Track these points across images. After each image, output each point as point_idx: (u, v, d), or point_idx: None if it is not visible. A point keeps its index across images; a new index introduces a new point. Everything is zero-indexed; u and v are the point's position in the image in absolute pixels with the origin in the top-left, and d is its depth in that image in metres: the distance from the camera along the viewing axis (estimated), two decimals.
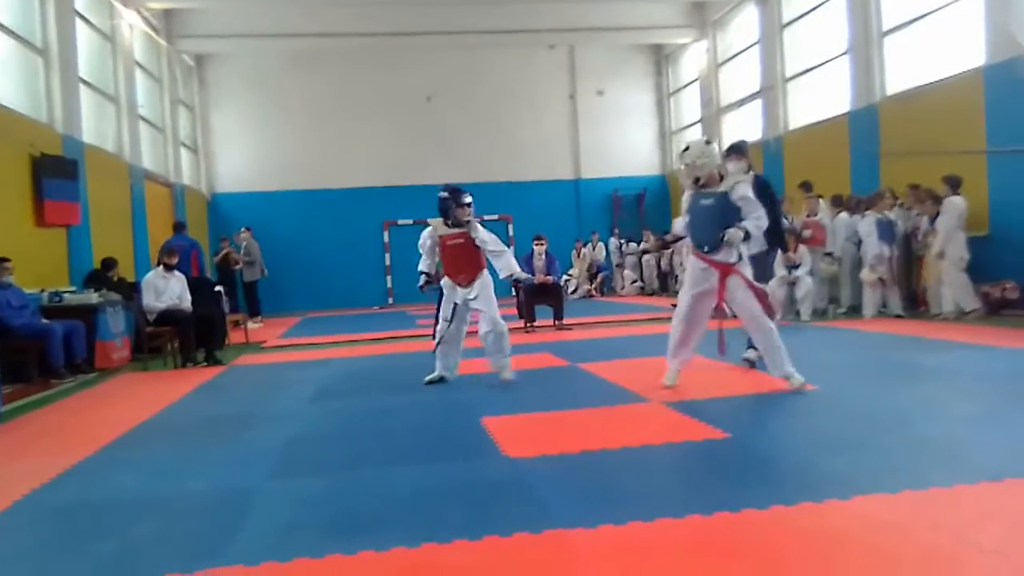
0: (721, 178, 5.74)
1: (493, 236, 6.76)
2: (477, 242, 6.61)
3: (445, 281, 6.71)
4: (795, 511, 3.09)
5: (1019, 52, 9.74)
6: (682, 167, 5.84)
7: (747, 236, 5.55)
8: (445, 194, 6.68)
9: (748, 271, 5.75)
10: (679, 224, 6.19)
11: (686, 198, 5.94)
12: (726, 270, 5.64)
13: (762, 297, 5.70)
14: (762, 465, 3.99)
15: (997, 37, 10.15)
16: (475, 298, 6.56)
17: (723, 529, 2.97)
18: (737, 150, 7.18)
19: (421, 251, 6.88)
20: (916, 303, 10.57)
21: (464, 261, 6.65)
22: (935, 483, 3.32)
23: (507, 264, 6.70)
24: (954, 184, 9.63)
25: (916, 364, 6.67)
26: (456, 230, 6.64)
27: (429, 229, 6.80)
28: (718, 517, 3.06)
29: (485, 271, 6.70)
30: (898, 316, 10.11)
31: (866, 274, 10.29)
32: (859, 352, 7.52)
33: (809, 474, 3.69)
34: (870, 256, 10.18)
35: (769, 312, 5.71)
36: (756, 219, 5.58)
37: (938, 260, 9.59)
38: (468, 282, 6.59)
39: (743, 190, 5.63)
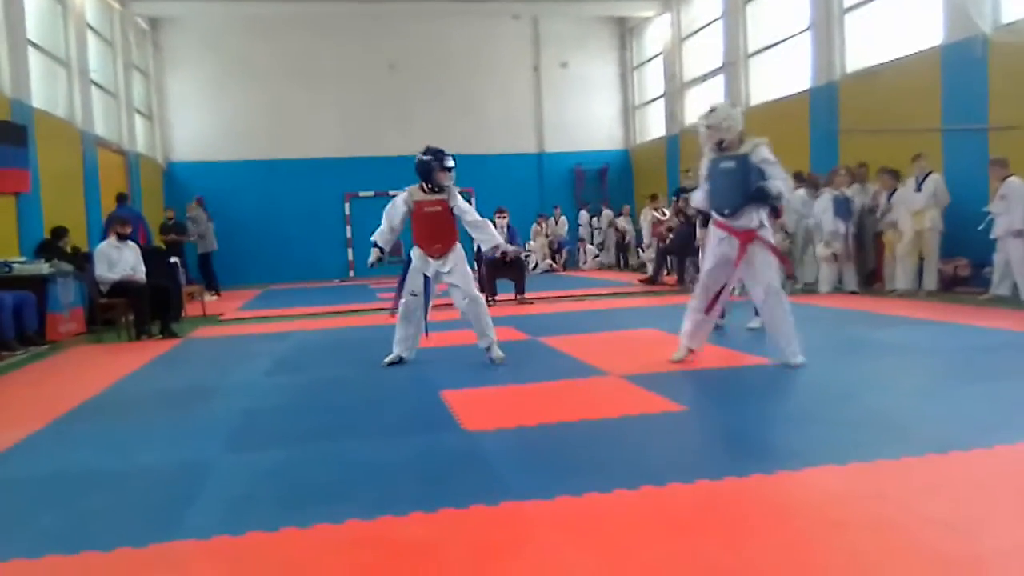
0: (741, 142, 5.57)
1: (471, 206, 6.48)
2: (455, 211, 6.26)
3: (415, 251, 6.27)
4: (747, 482, 3.15)
5: (976, 32, 9.89)
6: (703, 129, 5.63)
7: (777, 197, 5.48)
8: (427, 156, 6.23)
9: (771, 236, 5.64)
10: (698, 196, 5.96)
11: (704, 164, 5.76)
12: (748, 236, 5.50)
13: (786, 262, 5.64)
14: (717, 437, 4.06)
15: (955, 16, 10.28)
16: (449, 272, 6.22)
17: (677, 500, 3.01)
18: None
19: (386, 219, 6.35)
20: (872, 280, 10.77)
21: (440, 230, 6.24)
22: (883, 455, 3.39)
23: (491, 236, 6.41)
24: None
25: (868, 339, 6.80)
26: (434, 196, 6.24)
27: (404, 194, 6.33)
28: (672, 488, 3.11)
29: (459, 243, 6.36)
30: (853, 292, 10.29)
31: (821, 250, 10.44)
32: (813, 328, 7.61)
33: (762, 446, 3.75)
34: (825, 232, 10.33)
35: (788, 272, 5.63)
36: (782, 180, 5.49)
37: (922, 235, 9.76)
38: (442, 254, 6.21)
39: (765, 152, 5.48)
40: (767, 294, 5.55)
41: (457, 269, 6.25)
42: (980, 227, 8.96)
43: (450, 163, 6.23)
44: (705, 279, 5.79)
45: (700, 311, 5.79)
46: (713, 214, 5.74)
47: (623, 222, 18.96)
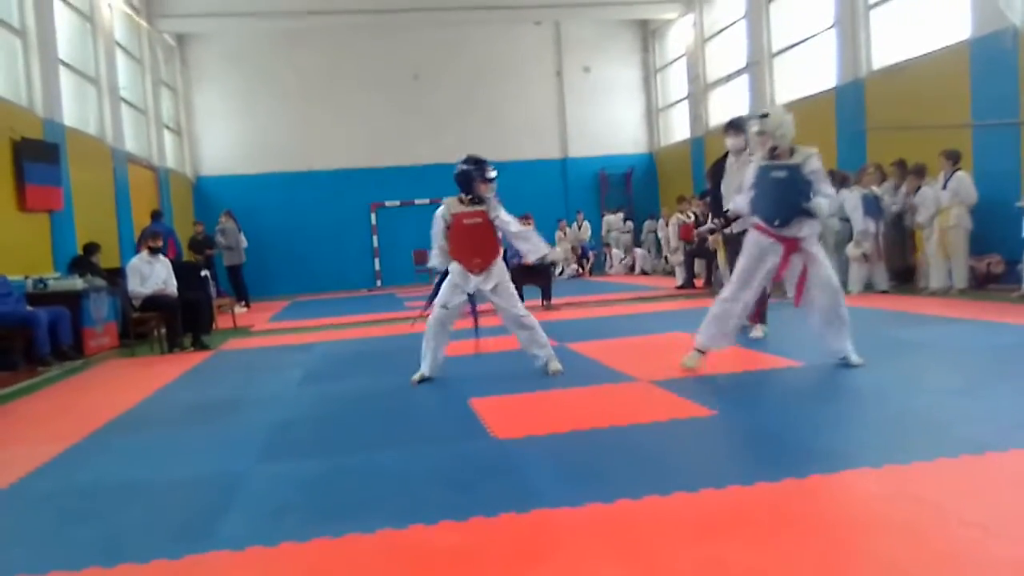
0: (792, 151, 5.49)
1: (513, 217, 6.12)
2: (497, 223, 5.92)
3: (455, 267, 5.90)
4: (780, 487, 3.12)
5: (1005, 24, 9.73)
6: (755, 135, 5.55)
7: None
8: (467, 165, 5.89)
9: (816, 246, 5.54)
10: (740, 200, 5.83)
11: (753, 170, 5.65)
12: (793, 245, 5.43)
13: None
14: (748, 442, 4.02)
15: (983, 9, 10.13)
16: (492, 289, 5.87)
17: (709, 506, 2.99)
18: (735, 126, 7.18)
19: (435, 242, 5.97)
20: (906, 278, 10.64)
21: (480, 244, 5.90)
22: (918, 457, 3.35)
23: (537, 245, 6.10)
24: (954, 159, 9.64)
25: (901, 339, 6.70)
26: (474, 208, 5.89)
27: (442, 208, 5.97)
28: (704, 494, 3.08)
29: (500, 257, 6.03)
30: (883, 292, 10.16)
31: (851, 249, 10.32)
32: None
33: (794, 450, 3.71)
34: (856, 232, 10.21)
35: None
36: (827, 196, 5.43)
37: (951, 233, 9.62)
38: (482, 268, 5.86)
39: (816, 163, 5.42)
40: (830, 293, 5.42)
41: (501, 287, 5.92)
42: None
43: (492, 173, 5.90)
44: (743, 280, 5.61)
45: (729, 314, 5.64)
46: (755, 219, 5.62)
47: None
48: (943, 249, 9.69)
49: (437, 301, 5.95)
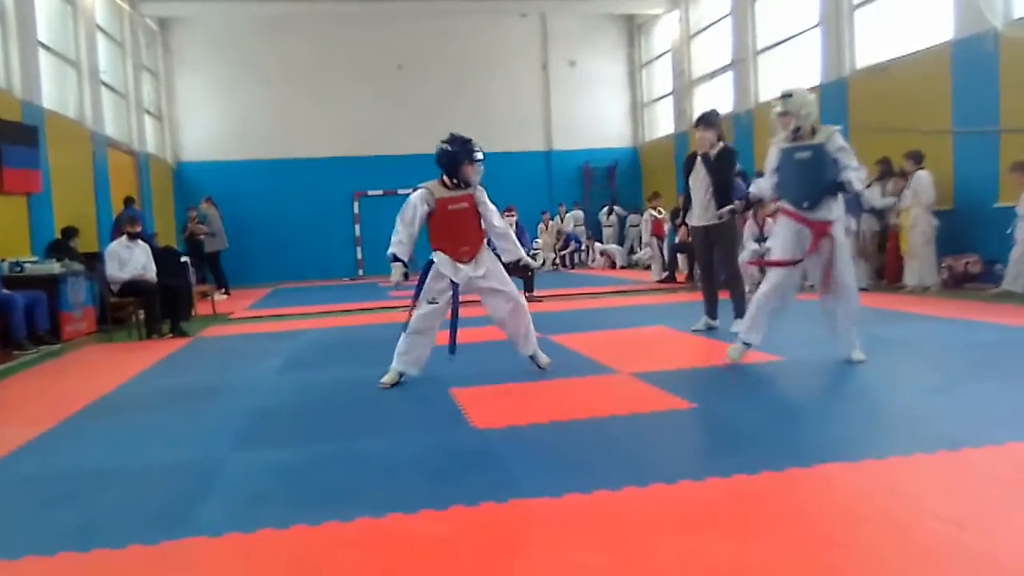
0: (813, 131, 5.39)
1: (496, 209, 5.67)
2: (480, 208, 5.48)
3: (440, 257, 5.38)
4: (758, 480, 3.14)
5: (987, 27, 9.82)
6: (777, 116, 5.41)
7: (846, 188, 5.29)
8: (452, 146, 5.37)
9: (842, 230, 5.44)
10: (763, 184, 5.74)
11: (775, 153, 5.52)
12: (823, 229, 5.30)
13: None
14: (726, 435, 4.04)
15: (965, 11, 10.21)
16: (483, 276, 5.42)
17: (688, 497, 3.01)
18: (706, 121, 7.20)
19: (401, 225, 5.37)
20: (881, 275, 10.75)
21: (467, 231, 5.43)
22: (895, 452, 3.38)
23: (514, 247, 5.68)
24: (917, 159, 9.79)
25: (879, 336, 6.74)
26: (460, 192, 5.40)
27: (422, 192, 5.39)
28: (682, 486, 3.10)
29: (486, 243, 5.60)
30: (863, 289, 10.22)
31: None
32: (824, 324, 7.60)
33: (773, 443, 3.73)
34: None
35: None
36: (856, 170, 5.30)
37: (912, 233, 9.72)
38: (471, 256, 5.41)
39: (840, 140, 5.31)
40: (845, 292, 5.39)
41: (492, 271, 5.47)
42: (1008, 231, 8.90)
43: (479, 155, 5.39)
44: (782, 280, 5.47)
45: (770, 306, 5.50)
46: (784, 204, 5.52)
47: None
48: (909, 249, 9.82)
49: (423, 296, 5.42)
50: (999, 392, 4.46)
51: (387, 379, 5.44)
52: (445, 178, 5.43)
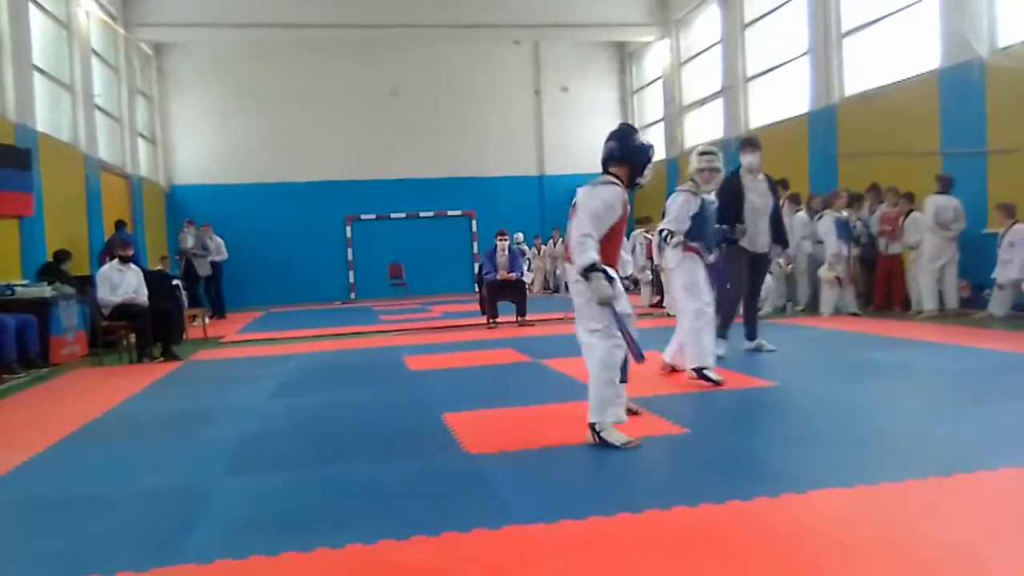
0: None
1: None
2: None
3: (615, 273, 4.28)
4: (752, 505, 3.13)
5: (973, 56, 9.96)
6: (709, 172, 6.17)
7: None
8: (640, 141, 4.43)
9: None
10: (681, 230, 6.32)
11: (696, 203, 6.17)
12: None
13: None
14: (720, 461, 4.03)
15: (952, 40, 10.36)
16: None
17: (681, 523, 3.00)
18: (755, 143, 7.36)
19: (594, 229, 4.14)
20: (868, 301, 10.84)
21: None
22: (887, 478, 3.38)
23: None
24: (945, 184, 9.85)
25: (870, 361, 6.78)
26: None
27: (618, 190, 4.28)
28: (676, 512, 3.09)
29: None
30: (853, 314, 10.28)
31: (824, 272, 10.45)
32: (816, 349, 7.64)
33: (765, 469, 3.73)
34: (829, 255, 10.33)
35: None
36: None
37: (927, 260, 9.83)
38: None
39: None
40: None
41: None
42: (992, 276, 9.11)
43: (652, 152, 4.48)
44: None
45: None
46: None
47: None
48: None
49: (622, 325, 4.23)
50: (991, 417, 4.48)
51: (624, 441, 4.13)
52: (617, 179, 4.35)
